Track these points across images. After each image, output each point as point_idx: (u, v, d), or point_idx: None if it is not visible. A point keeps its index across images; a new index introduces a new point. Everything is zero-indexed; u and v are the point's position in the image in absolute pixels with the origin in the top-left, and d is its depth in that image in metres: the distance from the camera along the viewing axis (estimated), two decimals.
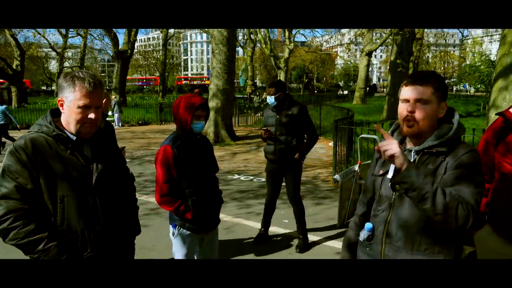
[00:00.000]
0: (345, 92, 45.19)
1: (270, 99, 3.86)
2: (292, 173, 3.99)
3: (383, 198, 1.60)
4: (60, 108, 1.64)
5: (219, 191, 2.67)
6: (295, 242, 4.18)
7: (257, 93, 22.50)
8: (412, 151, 1.52)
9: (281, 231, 4.51)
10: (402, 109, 1.50)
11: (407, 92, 1.48)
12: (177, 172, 2.35)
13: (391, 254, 1.55)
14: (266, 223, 4.22)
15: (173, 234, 2.47)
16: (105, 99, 3.29)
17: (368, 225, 1.66)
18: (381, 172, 1.63)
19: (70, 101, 1.59)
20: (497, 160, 1.94)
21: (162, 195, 2.36)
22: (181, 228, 2.44)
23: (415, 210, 1.47)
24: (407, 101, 1.48)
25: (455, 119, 1.52)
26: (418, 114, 1.46)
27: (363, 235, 1.68)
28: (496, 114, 2.07)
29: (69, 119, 1.62)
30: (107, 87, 36.54)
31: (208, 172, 2.56)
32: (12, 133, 13.88)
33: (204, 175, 2.49)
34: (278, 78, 37.78)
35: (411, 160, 1.51)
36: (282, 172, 4.04)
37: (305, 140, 4.01)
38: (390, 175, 1.57)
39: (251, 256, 3.85)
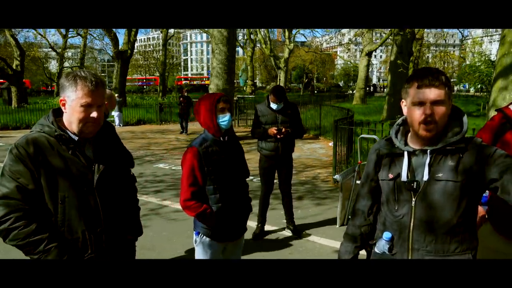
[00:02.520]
0: (354, 92, 44.78)
1: (279, 106, 4.10)
2: (288, 168, 4.32)
3: (400, 202, 1.53)
4: (62, 108, 1.63)
5: (249, 198, 2.52)
6: (295, 242, 4.20)
7: None
8: (428, 151, 1.47)
9: (281, 231, 4.52)
10: (417, 112, 1.43)
11: (423, 94, 1.41)
12: (202, 176, 2.24)
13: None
14: (263, 218, 4.36)
15: (195, 241, 2.36)
16: (110, 97, 3.29)
17: (387, 235, 1.54)
18: (390, 176, 1.55)
19: (72, 100, 1.58)
20: None
21: (186, 199, 2.23)
22: (204, 236, 2.32)
23: (442, 209, 1.44)
24: (422, 103, 1.42)
25: (462, 115, 1.50)
26: (436, 116, 1.41)
27: (382, 247, 1.57)
28: (495, 110, 2.06)
29: (71, 118, 1.61)
30: (107, 87, 36.36)
31: (237, 177, 2.40)
32: (12, 133, 13.90)
33: (232, 180, 2.35)
34: (278, 78, 37.85)
35: (427, 160, 1.47)
36: (275, 168, 4.31)
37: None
38: (404, 177, 1.50)
39: (251, 256, 3.85)
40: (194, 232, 2.38)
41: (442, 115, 1.42)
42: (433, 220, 1.45)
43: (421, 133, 1.45)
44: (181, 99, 14.30)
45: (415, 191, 1.48)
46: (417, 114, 1.43)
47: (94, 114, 1.60)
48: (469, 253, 1.47)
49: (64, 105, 1.62)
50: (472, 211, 1.49)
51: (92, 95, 1.59)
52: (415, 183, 1.47)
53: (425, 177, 1.46)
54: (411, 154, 1.52)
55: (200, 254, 2.38)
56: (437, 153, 1.47)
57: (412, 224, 1.49)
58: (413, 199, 1.49)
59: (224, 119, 2.27)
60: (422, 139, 1.49)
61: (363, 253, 1.75)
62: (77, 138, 1.64)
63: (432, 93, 1.40)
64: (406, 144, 1.55)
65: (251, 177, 7.23)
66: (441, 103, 1.41)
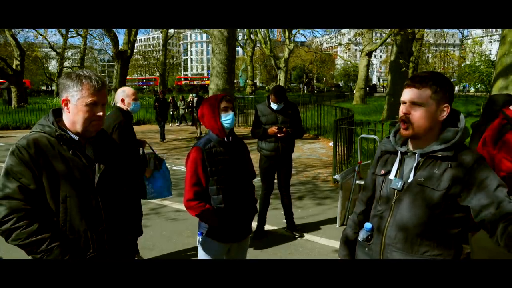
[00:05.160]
0: (354, 91, 44.65)
1: (279, 106, 4.11)
2: (288, 168, 4.32)
3: (383, 198, 1.59)
4: (65, 108, 1.63)
5: (254, 199, 2.52)
6: (295, 242, 4.21)
7: (181, 97, 17.77)
8: (417, 154, 1.51)
9: (281, 231, 4.52)
10: (400, 110, 1.51)
11: (404, 94, 1.48)
12: (205, 177, 2.25)
13: (390, 256, 1.55)
14: (263, 218, 4.36)
15: (199, 242, 2.37)
16: None
17: (367, 225, 1.64)
18: (382, 172, 1.62)
19: (77, 100, 1.60)
20: (498, 158, 1.96)
21: (189, 199, 2.25)
22: (207, 237, 2.32)
23: (416, 212, 1.47)
24: (404, 103, 1.48)
25: (461, 123, 1.49)
26: (412, 117, 1.45)
27: (362, 235, 1.66)
28: (497, 110, 2.08)
29: (76, 118, 1.62)
30: (108, 87, 36.37)
31: (242, 178, 2.41)
32: (12, 133, 13.91)
33: (236, 181, 2.35)
34: (278, 78, 37.85)
35: (415, 163, 1.50)
36: (275, 168, 4.30)
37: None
38: (392, 176, 1.56)
39: (251, 256, 3.85)
40: (198, 232, 2.38)
41: (418, 117, 1.44)
42: (407, 221, 1.49)
43: (400, 131, 1.52)
44: (156, 103, 12.42)
45: (398, 191, 1.53)
46: (400, 112, 1.50)
47: (100, 113, 1.63)
48: (440, 259, 1.47)
49: (66, 105, 1.62)
50: (455, 219, 1.47)
51: (97, 94, 1.61)
52: (399, 183, 1.52)
53: (410, 179, 1.51)
54: (404, 154, 1.57)
55: (203, 254, 2.38)
56: (426, 158, 1.49)
57: (388, 220, 1.55)
58: (394, 198, 1.54)
59: (227, 118, 2.29)
60: (418, 140, 1.51)
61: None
62: (78, 138, 1.64)
63: (411, 93, 1.45)
64: (404, 144, 1.59)
65: None
66: (420, 105, 1.43)
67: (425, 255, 1.48)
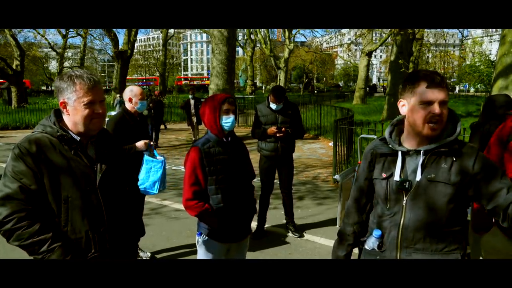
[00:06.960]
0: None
1: (278, 106, 4.11)
2: (289, 168, 4.33)
3: (392, 201, 1.55)
4: (64, 111, 1.64)
5: (253, 199, 2.51)
6: (295, 242, 4.21)
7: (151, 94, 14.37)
8: (421, 152, 1.50)
9: (281, 231, 4.52)
10: (424, 111, 1.44)
11: (430, 94, 1.43)
12: (204, 176, 2.25)
13: (410, 258, 1.52)
14: (262, 218, 4.35)
15: (198, 242, 2.36)
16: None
17: (377, 232, 1.57)
18: (384, 175, 1.58)
19: (74, 101, 1.60)
20: (506, 162, 1.96)
21: (187, 199, 2.24)
22: (206, 237, 2.31)
23: (431, 210, 1.47)
24: (429, 103, 1.43)
25: (457, 119, 1.54)
26: (443, 115, 1.45)
27: (371, 244, 1.60)
28: (506, 113, 2.09)
29: (76, 119, 1.62)
30: (107, 87, 36.55)
31: (241, 178, 2.39)
32: (12, 133, 13.91)
33: (235, 181, 2.34)
34: (278, 78, 37.85)
35: (420, 161, 1.50)
36: (275, 168, 4.30)
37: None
38: (396, 177, 1.53)
39: (251, 256, 3.85)
40: (197, 232, 2.38)
41: (445, 115, 1.47)
42: (423, 219, 1.48)
43: (426, 132, 1.47)
44: (150, 104, 10.87)
45: (406, 191, 1.52)
46: (423, 113, 1.45)
47: (98, 110, 1.63)
48: (457, 253, 1.50)
49: (65, 107, 1.63)
50: (463, 212, 1.53)
51: (93, 92, 1.61)
52: (407, 182, 1.51)
53: (418, 177, 1.50)
54: (405, 154, 1.55)
55: (202, 255, 2.37)
56: (431, 154, 1.50)
57: (402, 222, 1.52)
58: (404, 199, 1.52)
59: (227, 121, 2.28)
60: (422, 138, 1.51)
61: (356, 251, 1.77)
62: (79, 138, 1.65)
63: (440, 93, 1.44)
64: (400, 144, 1.59)
65: None
66: (446, 104, 1.46)
67: (444, 251, 1.49)
